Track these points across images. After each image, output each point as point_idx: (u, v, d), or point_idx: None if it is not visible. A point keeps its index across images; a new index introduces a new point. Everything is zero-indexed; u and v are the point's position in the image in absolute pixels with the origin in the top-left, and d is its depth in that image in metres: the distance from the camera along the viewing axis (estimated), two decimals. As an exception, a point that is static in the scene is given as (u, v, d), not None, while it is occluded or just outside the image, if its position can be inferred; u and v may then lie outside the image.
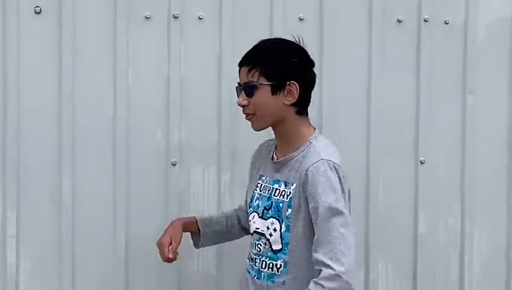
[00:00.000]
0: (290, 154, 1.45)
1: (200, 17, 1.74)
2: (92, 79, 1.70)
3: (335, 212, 1.33)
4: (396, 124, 1.83)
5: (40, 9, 1.66)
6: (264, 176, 1.51)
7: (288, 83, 1.40)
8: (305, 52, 1.47)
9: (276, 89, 1.41)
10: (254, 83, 1.41)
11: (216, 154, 1.77)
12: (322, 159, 1.38)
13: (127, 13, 1.70)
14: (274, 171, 1.48)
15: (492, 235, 1.90)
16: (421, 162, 1.83)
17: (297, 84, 1.40)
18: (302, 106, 1.45)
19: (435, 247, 1.87)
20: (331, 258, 1.29)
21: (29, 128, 1.68)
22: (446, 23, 1.84)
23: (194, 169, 1.76)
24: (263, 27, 1.77)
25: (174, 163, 1.72)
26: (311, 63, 1.48)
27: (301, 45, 1.47)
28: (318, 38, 1.79)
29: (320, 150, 1.42)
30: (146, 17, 1.72)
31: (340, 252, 1.29)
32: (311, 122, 1.49)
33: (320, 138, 1.48)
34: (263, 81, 1.40)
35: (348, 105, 1.80)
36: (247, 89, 1.42)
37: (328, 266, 1.28)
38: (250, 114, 1.44)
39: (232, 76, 1.64)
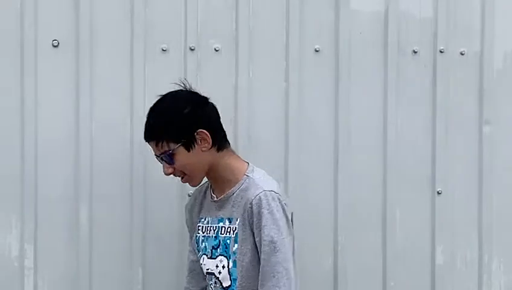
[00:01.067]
0: (229, 191, 1.47)
1: (217, 48, 1.76)
2: (110, 111, 1.72)
3: (278, 246, 1.37)
4: (413, 155, 1.83)
5: (58, 43, 1.68)
6: (203, 218, 1.53)
7: (195, 133, 1.44)
8: (192, 94, 1.50)
9: (188, 146, 1.44)
10: (168, 152, 1.44)
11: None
12: (264, 190, 1.41)
13: (144, 46, 1.72)
14: (216, 210, 1.50)
15: (510, 266, 1.89)
16: (438, 193, 1.83)
17: (203, 130, 1.44)
18: (219, 141, 1.48)
19: (452, 279, 1.85)
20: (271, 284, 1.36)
21: (47, 161, 1.68)
22: (462, 54, 1.84)
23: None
24: (279, 58, 1.78)
25: (189, 194, 1.72)
26: (203, 99, 1.50)
27: (186, 86, 1.50)
28: (334, 69, 1.79)
29: (260, 181, 1.45)
30: (163, 50, 1.73)
31: (283, 286, 1.36)
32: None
33: (256, 169, 1.51)
34: (174, 146, 1.44)
35: (364, 137, 1.80)
36: (165, 159, 1.46)
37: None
38: (182, 176, 1.49)
39: (249, 105, 1.71)
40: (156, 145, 1.46)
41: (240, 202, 1.46)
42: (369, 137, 1.81)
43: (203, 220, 1.54)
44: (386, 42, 1.81)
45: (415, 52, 1.82)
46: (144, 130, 1.48)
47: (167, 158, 1.46)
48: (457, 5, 1.85)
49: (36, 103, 1.68)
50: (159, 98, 1.50)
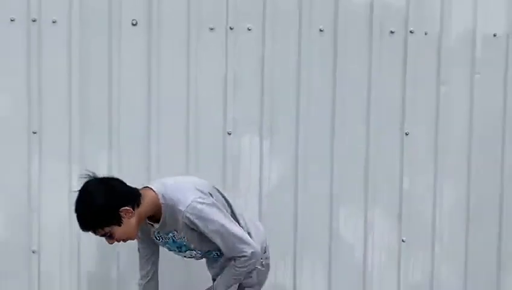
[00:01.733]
0: (161, 222, 1.89)
1: (249, 28, 2.40)
2: (171, 81, 2.35)
3: (225, 229, 1.87)
4: (388, 109, 2.52)
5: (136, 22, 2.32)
6: (156, 232, 1.95)
7: (119, 213, 1.79)
8: (100, 183, 1.83)
9: (118, 222, 1.80)
10: (107, 234, 1.82)
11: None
12: (185, 210, 1.84)
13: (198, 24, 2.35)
14: (162, 231, 1.94)
15: (458, 188, 2.62)
16: (406, 134, 2.52)
17: (123, 207, 1.79)
18: (135, 202, 1.83)
19: (416, 200, 2.57)
20: (237, 255, 1.90)
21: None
22: (426, 34, 2.52)
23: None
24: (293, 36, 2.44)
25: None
26: (111, 182, 1.86)
27: (92, 175, 1.85)
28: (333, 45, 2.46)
29: (175, 203, 1.86)
30: (210, 28, 2.38)
31: (239, 245, 1.89)
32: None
33: (164, 192, 1.88)
34: (108, 229, 1.80)
35: (355, 97, 2.49)
36: (107, 239, 1.85)
37: (237, 258, 1.90)
38: (124, 241, 1.89)
39: (272, 74, 2.38)
40: (94, 232, 1.82)
41: (174, 223, 1.89)
42: (358, 97, 2.50)
43: (156, 233, 1.96)
44: (371, 24, 2.49)
45: (392, 32, 2.49)
46: (78, 223, 1.80)
47: (108, 237, 1.84)
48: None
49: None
50: (77, 196, 1.81)
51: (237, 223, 1.98)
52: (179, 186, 1.93)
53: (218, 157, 2.40)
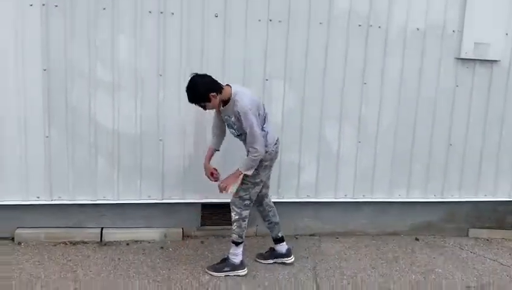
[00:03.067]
0: (226, 106, 3.58)
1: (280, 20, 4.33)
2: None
3: (251, 128, 3.49)
4: (353, 66, 4.48)
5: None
6: (222, 112, 3.70)
7: (209, 95, 3.51)
8: (199, 76, 3.55)
9: (208, 100, 3.52)
10: (202, 106, 3.60)
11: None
12: (239, 106, 3.48)
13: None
14: (223, 114, 3.68)
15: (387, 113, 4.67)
16: (365, 83, 4.52)
17: (211, 93, 3.49)
18: (219, 90, 3.52)
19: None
20: (251, 146, 3.57)
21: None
22: (379, 27, 4.45)
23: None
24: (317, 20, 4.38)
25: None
26: (205, 76, 3.55)
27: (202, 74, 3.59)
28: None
29: (238, 100, 3.49)
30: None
31: (254, 141, 3.55)
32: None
33: (236, 91, 3.56)
34: (203, 104, 3.56)
35: (340, 65, 4.47)
36: (201, 108, 3.63)
37: (250, 149, 3.57)
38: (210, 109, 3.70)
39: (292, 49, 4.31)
40: (195, 104, 3.59)
41: (231, 111, 3.54)
42: (338, 63, 4.45)
43: (222, 112, 3.67)
44: (349, 20, 4.41)
45: (360, 25, 4.42)
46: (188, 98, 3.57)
47: (202, 108, 3.60)
48: None
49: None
50: (187, 83, 3.53)
51: (262, 127, 3.62)
52: (244, 93, 3.60)
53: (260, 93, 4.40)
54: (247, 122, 3.52)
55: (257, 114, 3.60)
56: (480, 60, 4.58)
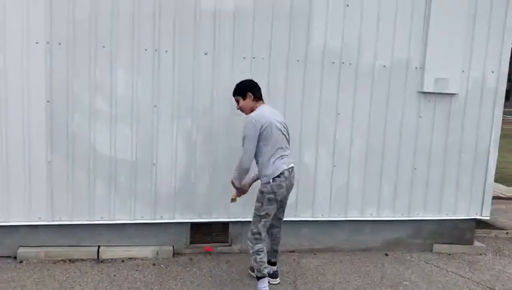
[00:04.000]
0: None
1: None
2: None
3: (243, 139, 3.89)
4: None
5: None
6: None
7: (246, 93, 4.03)
8: (247, 80, 4.13)
9: (244, 97, 4.04)
10: (237, 100, 4.10)
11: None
12: (247, 117, 3.92)
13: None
14: None
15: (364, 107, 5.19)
16: (338, 114, 5.05)
17: (249, 92, 4.02)
18: (256, 97, 4.03)
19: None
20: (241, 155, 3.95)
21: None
22: (350, 64, 4.98)
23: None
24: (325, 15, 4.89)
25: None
26: (250, 81, 4.11)
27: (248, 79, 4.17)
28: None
29: (252, 113, 3.95)
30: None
31: (243, 151, 3.92)
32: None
33: (260, 108, 4.01)
34: (238, 98, 4.08)
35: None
36: (236, 103, 4.14)
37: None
38: (241, 111, 4.13)
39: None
40: (234, 97, 4.10)
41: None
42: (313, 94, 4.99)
43: None
44: (323, 57, 4.94)
45: (333, 62, 4.94)
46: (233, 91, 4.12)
47: (237, 102, 4.09)
48: (349, 38, 4.89)
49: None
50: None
51: (255, 144, 3.87)
52: (263, 109, 3.99)
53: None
54: (244, 133, 3.90)
55: (259, 128, 3.87)
56: (440, 93, 5.14)
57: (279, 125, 3.97)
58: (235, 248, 5.01)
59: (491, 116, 5.27)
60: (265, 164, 3.94)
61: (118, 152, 4.60)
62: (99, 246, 4.75)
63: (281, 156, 3.91)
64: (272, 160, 3.89)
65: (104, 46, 4.44)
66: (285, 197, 4.12)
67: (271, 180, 3.88)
